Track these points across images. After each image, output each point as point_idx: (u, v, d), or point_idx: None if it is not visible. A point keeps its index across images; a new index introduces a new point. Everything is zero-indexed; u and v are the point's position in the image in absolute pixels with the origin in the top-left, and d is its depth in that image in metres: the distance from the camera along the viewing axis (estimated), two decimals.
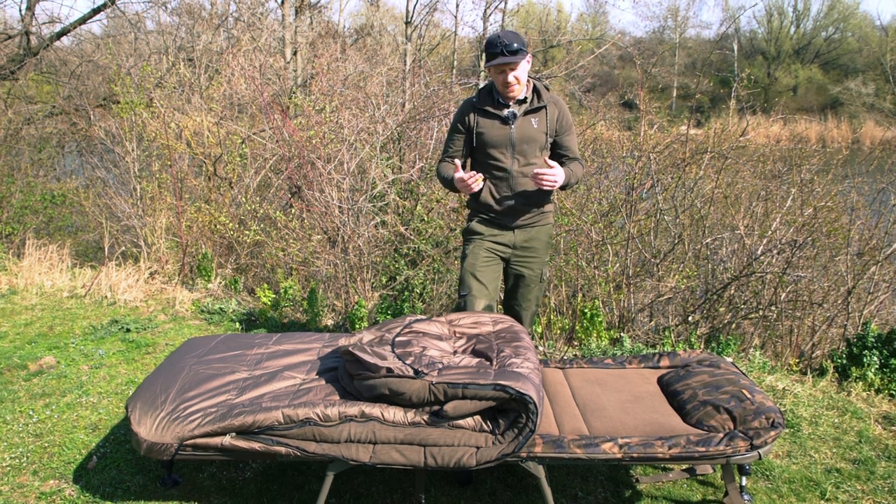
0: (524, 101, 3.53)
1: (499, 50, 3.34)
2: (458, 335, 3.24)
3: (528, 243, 3.67)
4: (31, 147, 10.31)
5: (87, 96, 11.24)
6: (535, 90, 3.55)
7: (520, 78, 3.43)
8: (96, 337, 5.28)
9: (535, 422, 2.60)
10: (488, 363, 2.86)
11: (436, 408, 2.66)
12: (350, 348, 2.88)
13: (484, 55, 3.49)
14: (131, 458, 3.46)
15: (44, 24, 11.65)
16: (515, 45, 3.33)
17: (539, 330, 5.21)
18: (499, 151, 3.54)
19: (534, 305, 3.84)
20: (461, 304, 3.63)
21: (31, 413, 3.97)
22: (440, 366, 2.74)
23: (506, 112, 3.51)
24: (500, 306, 4.14)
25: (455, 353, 3.05)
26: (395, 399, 2.69)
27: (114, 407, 4.09)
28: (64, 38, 12.32)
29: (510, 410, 2.65)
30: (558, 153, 3.64)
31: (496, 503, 3.13)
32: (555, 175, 3.40)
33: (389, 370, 2.67)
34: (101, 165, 9.30)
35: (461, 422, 2.67)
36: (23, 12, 11.04)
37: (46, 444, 3.63)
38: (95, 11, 11.52)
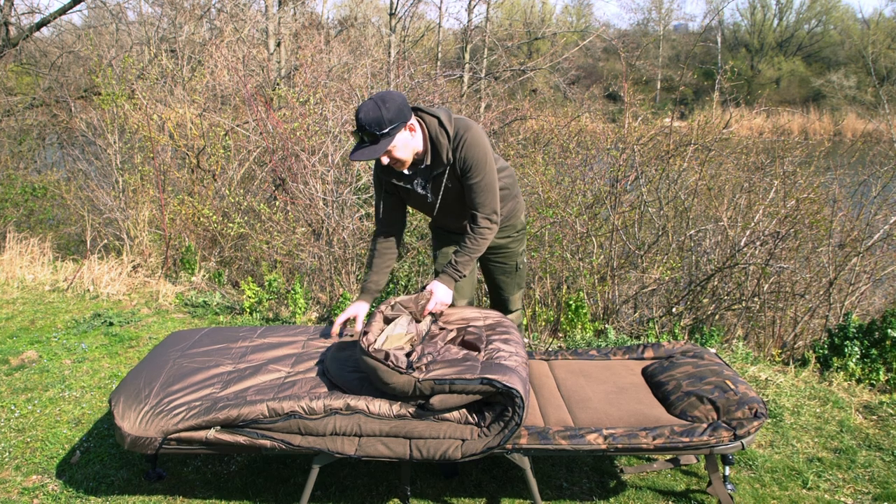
0: (424, 166, 3.04)
1: (362, 135, 2.82)
2: (448, 328, 3.23)
3: (494, 243, 3.45)
4: (11, 139, 10.20)
5: (68, 88, 11.12)
6: (434, 145, 2.97)
7: (401, 157, 2.91)
8: (79, 331, 5.24)
9: (520, 415, 2.60)
10: (476, 353, 2.86)
11: (421, 401, 2.66)
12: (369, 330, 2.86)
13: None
14: (115, 453, 3.44)
15: (23, 14, 11.51)
16: (380, 130, 2.77)
17: (524, 322, 5.22)
18: (426, 212, 3.32)
19: (515, 289, 3.65)
20: None
21: (12, 408, 3.94)
22: (428, 358, 2.73)
23: (416, 185, 3.10)
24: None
25: (444, 342, 3.03)
26: (379, 387, 2.68)
27: (97, 401, 4.06)
28: (44, 29, 12.17)
29: (496, 403, 2.66)
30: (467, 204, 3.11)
31: (482, 494, 3.14)
32: (436, 302, 3.07)
33: (387, 355, 2.65)
34: (83, 158, 9.22)
35: (447, 414, 2.67)
36: (1, 3, 10.89)
37: (29, 440, 3.60)
38: (76, 2, 11.39)
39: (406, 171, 3.06)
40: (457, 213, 3.22)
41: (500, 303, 3.69)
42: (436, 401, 2.62)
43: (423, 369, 2.65)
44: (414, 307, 3.09)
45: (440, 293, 3.10)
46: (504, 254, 3.54)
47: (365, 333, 2.79)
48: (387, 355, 2.64)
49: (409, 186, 3.11)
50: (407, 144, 2.91)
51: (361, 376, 2.79)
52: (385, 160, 2.92)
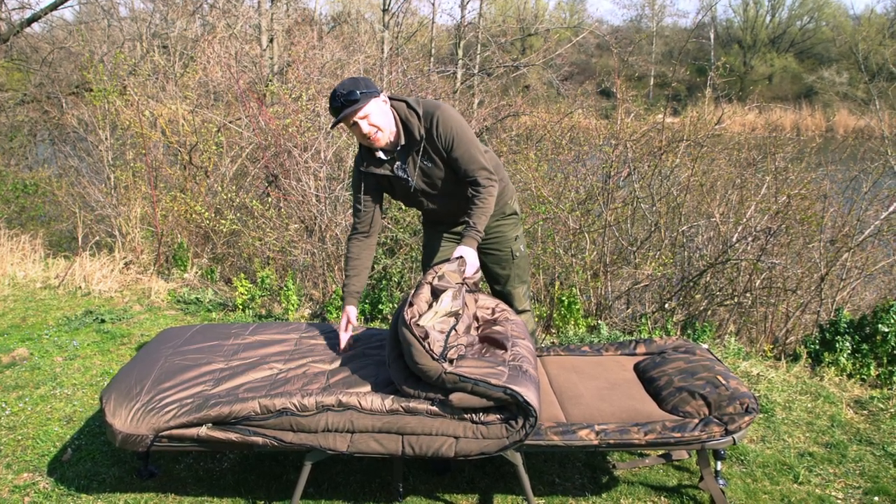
0: (399, 147, 3.13)
1: (339, 103, 2.95)
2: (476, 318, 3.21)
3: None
4: (1, 136, 10.15)
5: (60, 84, 11.07)
6: (405, 126, 3.09)
7: (378, 124, 2.99)
8: (70, 328, 5.22)
9: (527, 433, 2.59)
10: (503, 351, 2.84)
11: (440, 397, 2.63)
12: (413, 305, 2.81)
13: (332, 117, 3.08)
14: (106, 450, 3.43)
15: (14, 10, 11.46)
16: (357, 91, 2.92)
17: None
18: (413, 202, 3.33)
19: (516, 282, 3.57)
20: None
21: (3, 406, 3.92)
22: (460, 350, 2.70)
23: (395, 170, 3.17)
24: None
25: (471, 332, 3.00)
26: (408, 362, 2.64)
27: (88, 399, 4.05)
28: (35, 25, 12.12)
29: (505, 409, 2.64)
30: (460, 178, 3.19)
31: (474, 491, 3.14)
32: (471, 267, 3.04)
33: (426, 335, 2.61)
34: (74, 154, 9.17)
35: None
36: None
37: (20, 437, 3.59)
38: None
39: (384, 157, 3.15)
40: (442, 194, 3.24)
41: (502, 299, 3.55)
42: (455, 398, 2.60)
43: (453, 362, 2.63)
44: (459, 277, 2.99)
45: (471, 257, 3.08)
46: (495, 239, 3.44)
47: (410, 304, 2.75)
48: (426, 335, 2.60)
49: (390, 174, 3.18)
50: (384, 113, 3.02)
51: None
52: (365, 127, 2.98)
